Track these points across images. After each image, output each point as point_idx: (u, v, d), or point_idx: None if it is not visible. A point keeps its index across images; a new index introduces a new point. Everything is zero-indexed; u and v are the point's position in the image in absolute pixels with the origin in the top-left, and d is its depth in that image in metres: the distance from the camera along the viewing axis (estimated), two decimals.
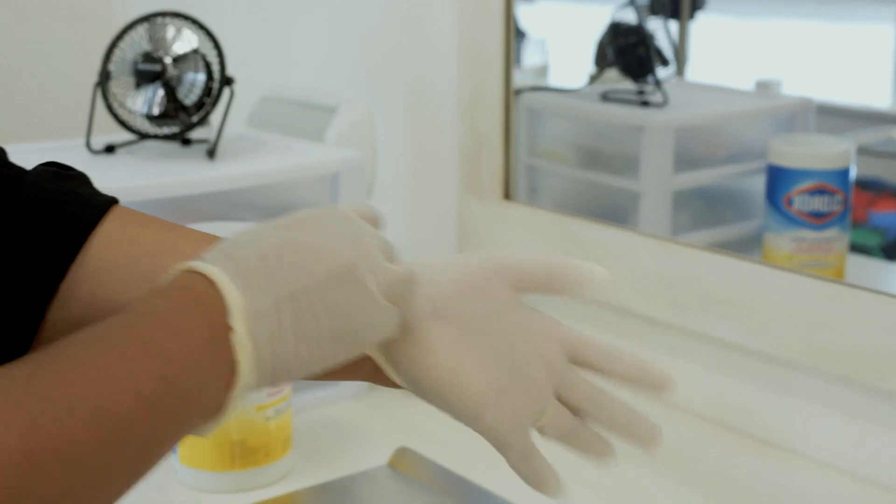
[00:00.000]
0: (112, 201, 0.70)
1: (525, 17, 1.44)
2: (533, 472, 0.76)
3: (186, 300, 0.58)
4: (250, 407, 1.08)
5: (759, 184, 1.28)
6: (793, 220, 1.22)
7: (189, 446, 1.09)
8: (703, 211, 1.42)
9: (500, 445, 0.73)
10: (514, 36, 1.40)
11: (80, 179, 0.72)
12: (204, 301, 0.58)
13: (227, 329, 0.58)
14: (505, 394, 0.71)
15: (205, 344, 0.57)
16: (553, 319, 0.75)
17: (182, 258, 0.62)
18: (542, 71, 1.65)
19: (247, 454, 1.09)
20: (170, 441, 0.57)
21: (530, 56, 1.60)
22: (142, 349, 0.55)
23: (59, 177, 0.71)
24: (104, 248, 0.69)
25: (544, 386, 0.73)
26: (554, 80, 1.62)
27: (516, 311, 0.73)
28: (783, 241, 1.23)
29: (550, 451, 0.77)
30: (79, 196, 0.70)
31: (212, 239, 0.69)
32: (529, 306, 0.73)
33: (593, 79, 1.55)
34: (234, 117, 1.37)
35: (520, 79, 1.47)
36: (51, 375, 0.53)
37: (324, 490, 1.11)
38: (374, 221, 0.74)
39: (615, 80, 1.51)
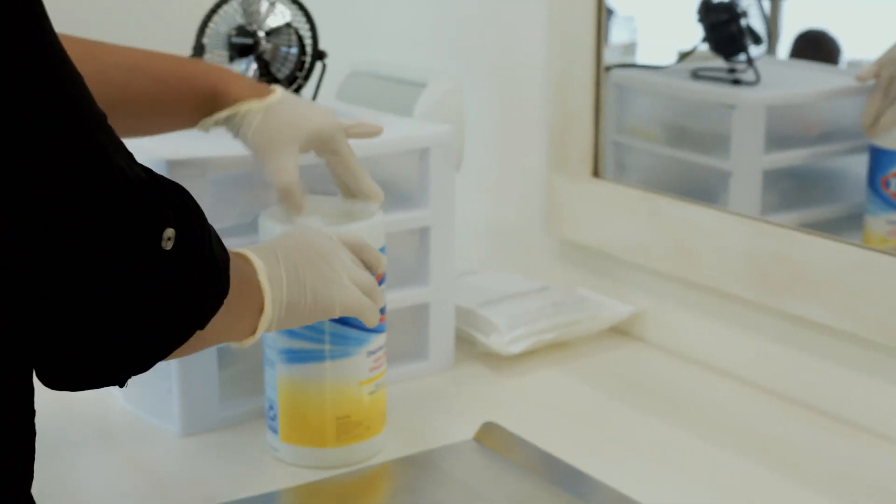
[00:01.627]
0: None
1: None
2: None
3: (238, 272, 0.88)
4: (354, 382, 1.09)
5: (850, 164, 1.27)
6: (889, 203, 1.20)
7: (291, 425, 1.10)
8: (792, 191, 1.40)
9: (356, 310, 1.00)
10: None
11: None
12: (247, 271, 0.91)
13: (260, 285, 0.92)
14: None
15: (252, 296, 0.91)
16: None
17: None
18: (630, 48, 1.64)
19: (350, 429, 1.10)
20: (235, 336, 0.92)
21: (617, 33, 1.59)
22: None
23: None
24: None
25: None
26: (641, 58, 1.61)
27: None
28: (879, 223, 1.21)
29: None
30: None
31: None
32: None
33: (683, 56, 1.53)
34: (323, 91, 1.38)
35: (607, 56, 1.47)
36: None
37: (410, 462, 1.11)
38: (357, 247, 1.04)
39: (705, 57, 1.49)
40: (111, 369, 0.77)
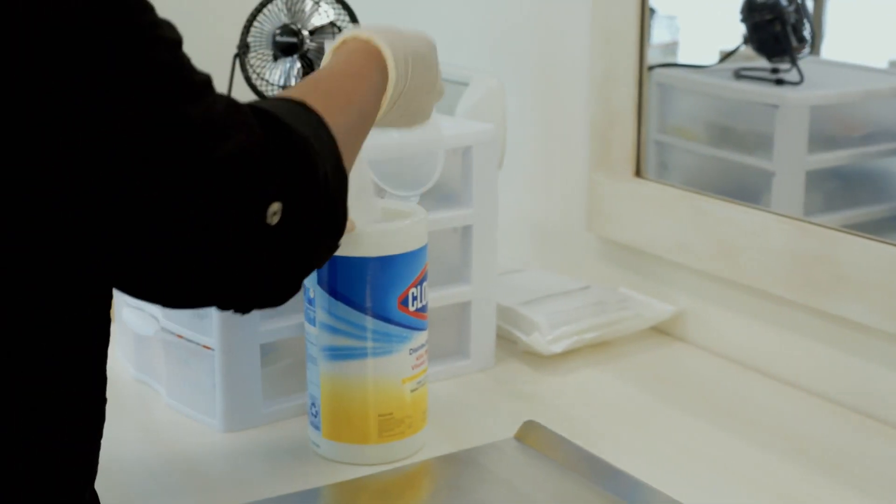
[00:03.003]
0: None
1: None
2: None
3: (371, 67, 0.97)
4: (396, 379, 1.10)
5: (894, 165, 1.26)
6: None
7: (333, 421, 1.11)
8: (836, 191, 1.40)
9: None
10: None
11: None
12: (379, 69, 0.98)
13: (386, 66, 0.98)
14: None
15: (380, 75, 0.98)
16: None
17: None
18: (672, 48, 1.63)
19: (392, 426, 1.10)
20: (367, 133, 0.97)
21: (659, 33, 1.58)
22: (364, 80, 0.96)
23: None
24: None
25: None
26: (683, 58, 1.61)
27: None
28: None
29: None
30: None
31: None
32: None
33: (725, 56, 1.53)
34: None
35: (649, 55, 1.46)
36: (330, 92, 0.91)
37: (451, 460, 1.12)
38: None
39: (747, 57, 1.49)
40: (240, 305, 0.80)
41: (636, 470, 1.07)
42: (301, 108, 0.85)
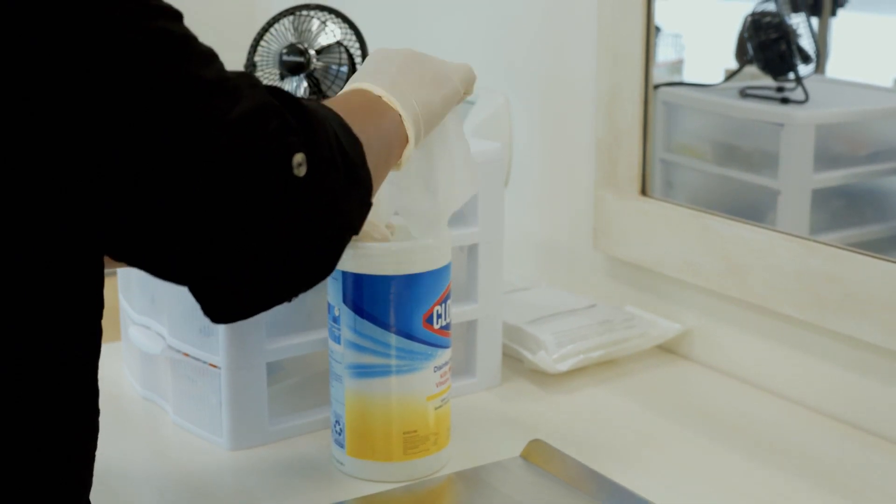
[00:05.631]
0: None
1: (660, 11, 1.43)
2: None
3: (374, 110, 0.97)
4: (421, 397, 1.10)
5: None
6: None
7: (358, 439, 1.11)
8: (841, 210, 1.40)
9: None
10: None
11: None
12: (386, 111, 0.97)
13: (402, 123, 0.97)
14: None
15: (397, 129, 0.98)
16: None
17: None
18: (677, 66, 1.64)
19: (416, 443, 1.10)
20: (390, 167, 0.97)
21: (664, 51, 1.59)
22: (387, 123, 0.96)
23: None
24: None
25: None
26: (688, 76, 1.61)
27: None
28: None
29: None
30: None
31: None
32: None
33: (730, 75, 1.53)
34: None
35: (654, 74, 1.47)
36: (363, 123, 0.90)
37: (458, 479, 1.12)
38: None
39: (752, 75, 1.49)
40: (278, 290, 0.81)
41: (642, 489, 1.07)
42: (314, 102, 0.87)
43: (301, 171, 0.76)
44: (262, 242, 0.75)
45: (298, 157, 0.76)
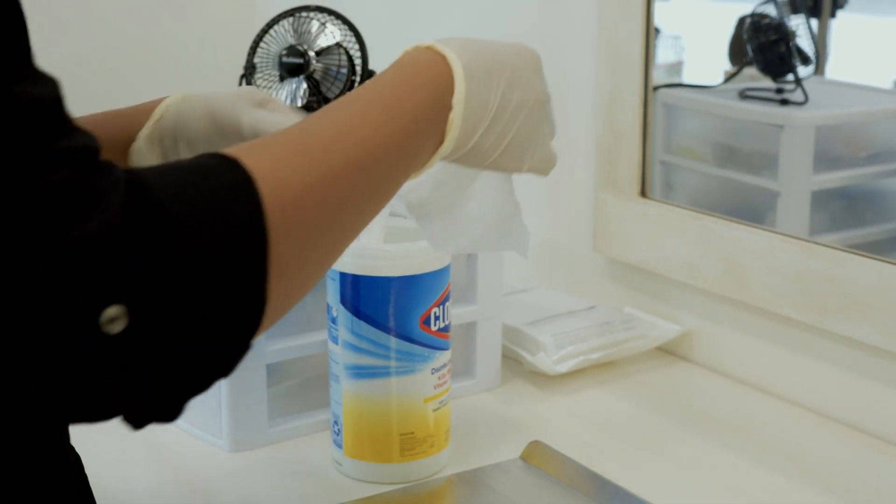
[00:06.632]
0: None
1: (659, 13, 1.43)
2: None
3: (423, 78, 0.76)
4: (418, 399, 1.10)
5: None
6: None
7: (356, 440, 1.11)
8: (841, 211, 1.40)
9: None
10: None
11: None
12: (437, 82, 0.76)
13: (448, 108, 0.76)
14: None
15: (431, 114, 0.75)
16: None
17: None
18: (677, 68, 1.64)
19: (414, 445, 1.10)
20: (398, 184, 0.75)
21: (664, 52, 1.59)
22: (389, 111, 0.73)
23: None
24: None
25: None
26: (688, 78, 1.61)
27: None
28: None
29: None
30: None
31: None
32: None
33: (730, 76, 1.53)
34: None
35: (654, 75, 1.47)
36: (317, 130, 0.69)
37: (457, 480, 1.12)
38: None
39: (752, 77, 1.49)
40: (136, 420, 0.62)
41: (642, 490, 1.07)
42: (224, 166, 0.63)
43: (115, 327, 0.55)
44: (85, 398, 0.58)
45: (112, 312, 0.55)
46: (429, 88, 0.76)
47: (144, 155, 0.92)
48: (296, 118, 0.88)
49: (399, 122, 0.74)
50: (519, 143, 0.83)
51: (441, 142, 0.78)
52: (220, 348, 0.62)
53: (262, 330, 0.64)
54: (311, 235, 0.66)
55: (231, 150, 0.64)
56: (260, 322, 0.63)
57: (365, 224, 0.73)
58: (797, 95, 1.42)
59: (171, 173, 0.61)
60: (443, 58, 0.78)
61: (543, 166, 0.88)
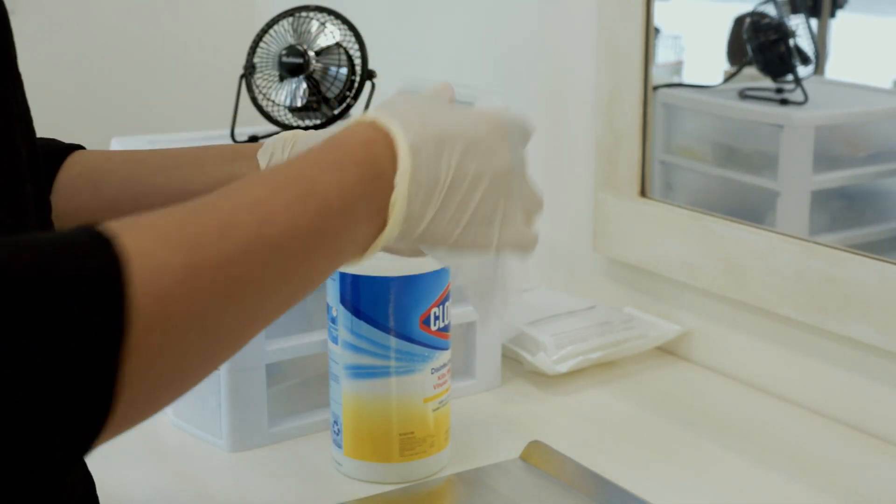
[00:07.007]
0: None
1: (659, 12, 1.43)
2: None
3: (358, 156, 0.66)
4: (418, 399, 1.10)
5: None
6: None
7: (356, 440, 1.11)
8: (841, 211, 1.40)
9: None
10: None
11: None
12: (376, 160, 0.67)
13: (390, 187, 0.67)
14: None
15: (363, 194, 0.66)
16: None
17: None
18: (677, 67, 1.64)
19: (413, 445, 1.10)
20: (320, 272, 0.65)
21: (664, 52, 1.59)
22: (304, 188, 0.63)
23: None
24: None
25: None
26: (688, 77, 1.61)
27: None
28: None
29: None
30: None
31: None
32: None
33: (730, 76, 1.53)
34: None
35: (654, 75, 1.47)
36: (216, 204, 0.60)
37: (457, 480, 1.12)
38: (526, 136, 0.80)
39: (752, 77, 1.49)
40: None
41: (642, 490, 1.07)
42: (95, 244, 0.54)
43: None
44: None
45: None
46: (363, 168, 0.67)
47: None
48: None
49: (315, 201, 0.63)
50: (482, 218, 0.73)
51: (384, 224, 0.68)
52: (47, 450, 0.53)
53: (112, 433, 0.57)
54: (194, 326, 0.57)
55: (112, 225, 0.55)
56: (102, 425, 0.56)
57: (279, 313, 0.63)
58: (797, 95, 1.42)
59: (30, 250, 0.53)
60: (385, 133, 0.69)
61: (518, 244, 0.77)
